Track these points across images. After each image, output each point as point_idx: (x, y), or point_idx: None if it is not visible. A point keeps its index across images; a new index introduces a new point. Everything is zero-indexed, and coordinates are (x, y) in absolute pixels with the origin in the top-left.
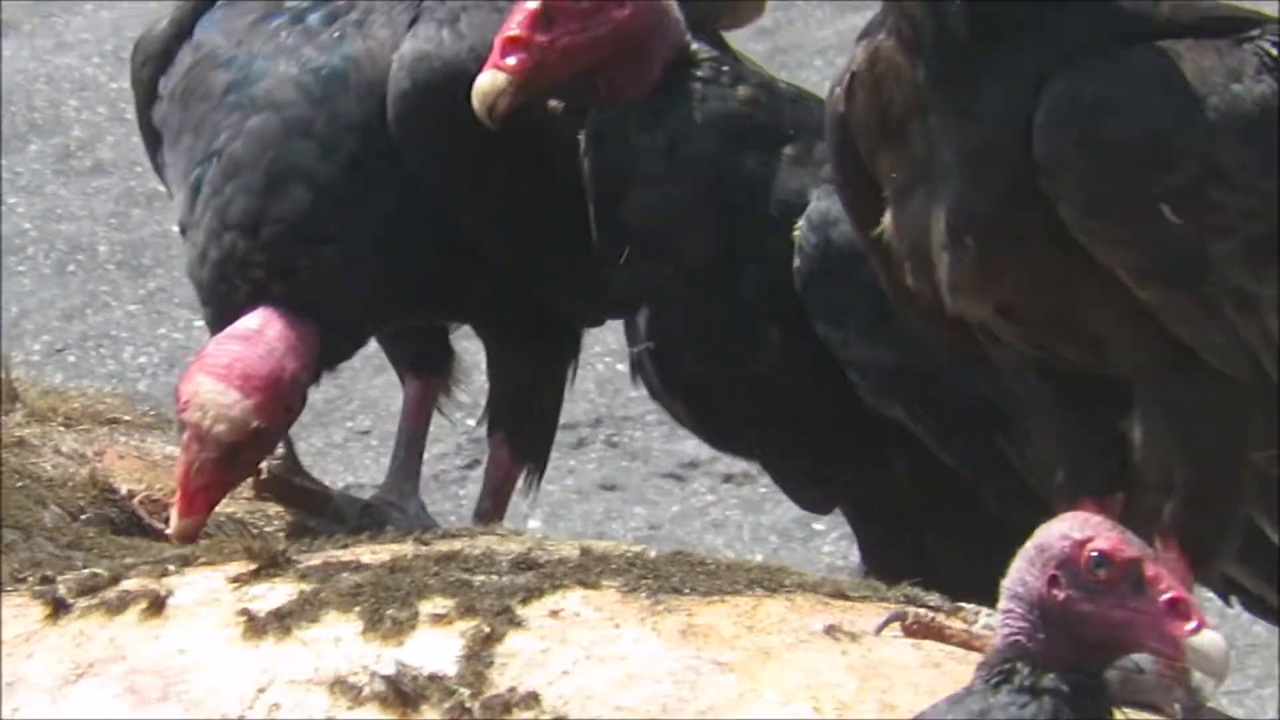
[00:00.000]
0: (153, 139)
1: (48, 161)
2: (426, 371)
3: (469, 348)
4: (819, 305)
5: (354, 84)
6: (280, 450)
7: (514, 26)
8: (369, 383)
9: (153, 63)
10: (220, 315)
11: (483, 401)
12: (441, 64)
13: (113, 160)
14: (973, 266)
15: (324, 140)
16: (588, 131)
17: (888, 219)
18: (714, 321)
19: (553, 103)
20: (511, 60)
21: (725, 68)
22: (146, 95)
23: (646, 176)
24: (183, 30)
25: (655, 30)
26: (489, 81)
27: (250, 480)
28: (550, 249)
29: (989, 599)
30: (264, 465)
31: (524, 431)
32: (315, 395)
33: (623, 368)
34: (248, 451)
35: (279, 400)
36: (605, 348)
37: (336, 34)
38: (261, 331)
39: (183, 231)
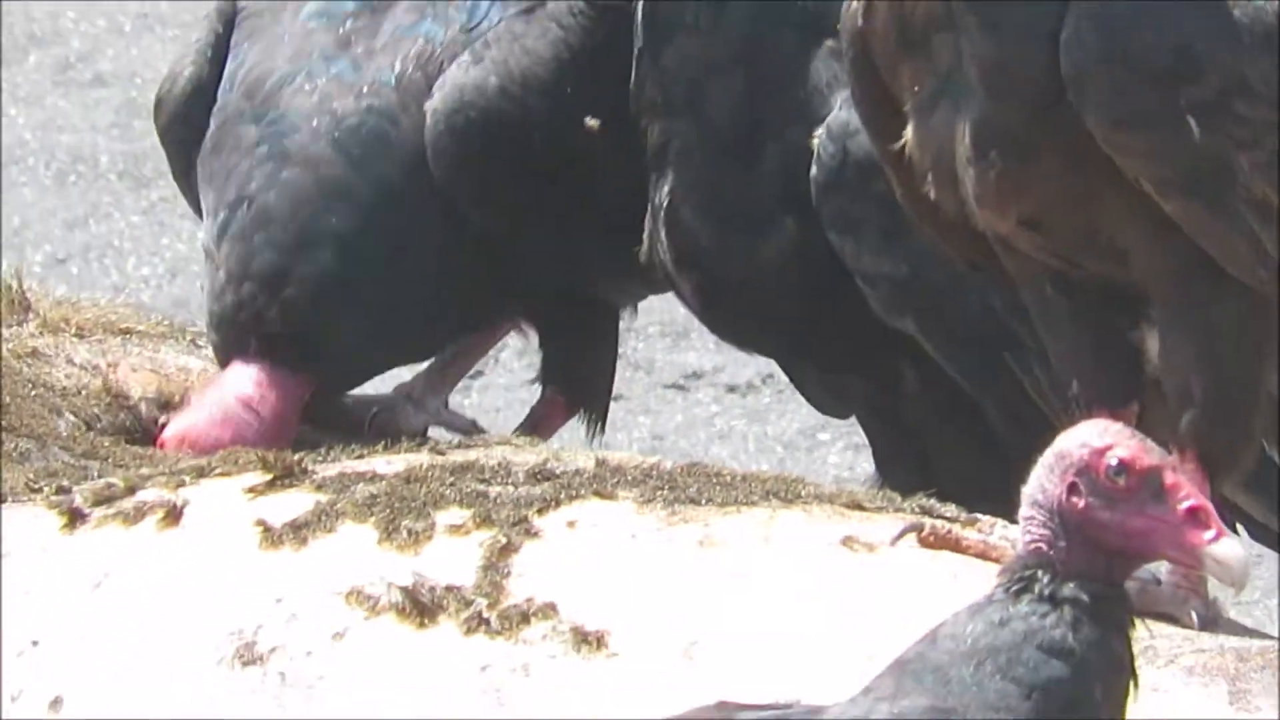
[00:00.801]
0: (190, 190)
1: (47, 73)
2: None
3: None
4: (832, 215)
5: (393, 142)
6: None
7: None
8: None
9: (176, 125)
10: (225, 352)
11: None
12: (476, 112)
13: (113, 72)
14: (997, 180)
15: (362, 205)
16: None
17: (909, 132)
18: (730, 192)
19: (590, 121)
20: None
21: None
22: (177, 155)
23: (691, 25)
24: (201, 88)
25: None
26: None
27: None
28: (603, 256)
29: (998, 512)
30: None
31: (580, 390)
32: None
33: None
34: None
35: None
36: None
37: (368, 87)
38: (247, 411)
39: (207, 256)
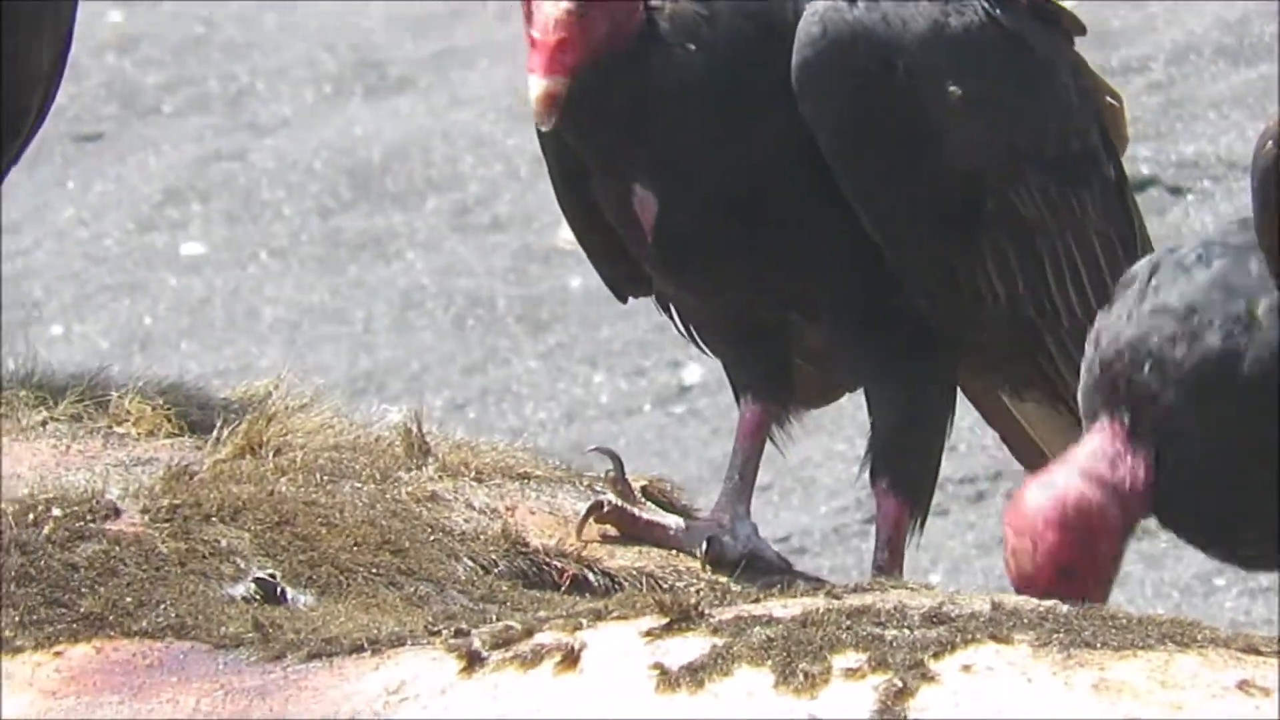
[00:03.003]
0: None
1: (445, 217)
2: (765, 397)
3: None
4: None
5: (775, 22)
6: (612, 473)
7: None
8: None
9: None
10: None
11: None
12: (855, 19)
13: (509, 216)
14: None
15: (713, 48)
16: None
17: None
18: None
19: (954, 88)
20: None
21: None
22: None
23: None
24: None
25: None
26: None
27: (593, 518)
28: (919, 238)
29: None
30: (604, 499)
31: (907, 473)
32: (715, 450)
33: None
34: None
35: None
36: None
37: None
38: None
39: None
